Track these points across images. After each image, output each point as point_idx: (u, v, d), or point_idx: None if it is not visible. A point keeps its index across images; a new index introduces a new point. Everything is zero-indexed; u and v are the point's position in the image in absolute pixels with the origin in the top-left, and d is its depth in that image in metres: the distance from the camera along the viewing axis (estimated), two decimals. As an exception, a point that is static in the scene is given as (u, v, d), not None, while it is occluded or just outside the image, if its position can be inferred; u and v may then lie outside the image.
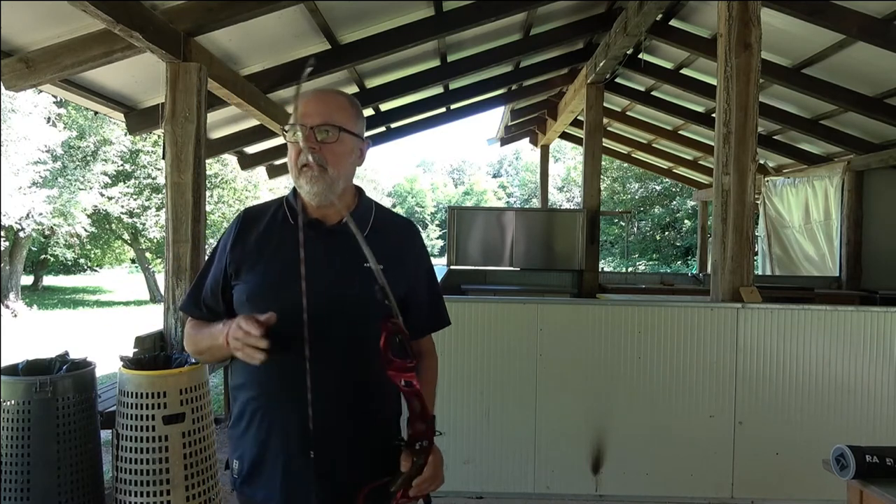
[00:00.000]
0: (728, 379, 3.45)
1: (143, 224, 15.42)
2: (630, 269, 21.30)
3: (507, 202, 43.67)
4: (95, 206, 14.38)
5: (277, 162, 8.34)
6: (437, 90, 7.60)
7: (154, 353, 3.36)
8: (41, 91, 7.15)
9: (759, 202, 9.31)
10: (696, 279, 7.85)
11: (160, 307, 4.05)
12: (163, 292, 3.96)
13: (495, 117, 11.87)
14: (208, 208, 12.05)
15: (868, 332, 3.45)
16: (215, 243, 1.57)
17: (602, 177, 7.87)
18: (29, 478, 2.79)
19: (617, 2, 5.92)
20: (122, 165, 15.09)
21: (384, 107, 7.64)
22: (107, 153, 14.49)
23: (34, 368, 3.00)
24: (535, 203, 18.30)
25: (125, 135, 14.09)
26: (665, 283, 7.87)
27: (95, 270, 23.02)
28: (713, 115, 4.56)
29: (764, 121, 6.82)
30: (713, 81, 5.17)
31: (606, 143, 10.47)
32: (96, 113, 5.24)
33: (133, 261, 20.29)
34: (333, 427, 1.40)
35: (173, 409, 2.88)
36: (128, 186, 15.26)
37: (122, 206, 14.93)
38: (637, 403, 3.47)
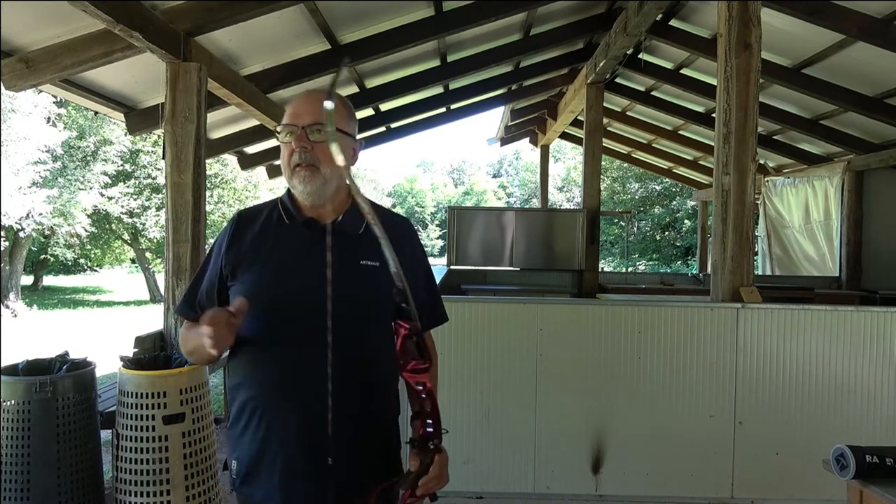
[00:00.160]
0: (728, 379, 3.45)
1: (143, 224, 15.43)
2: (630, 269, 21.30)
3: (507, 202, 43.67)
4: (95, 206, 14.39)
5: (277, 162, 8.31)
6: (437, 90, 7.60)
7: (154, 353, 3.36)
8: (41, 91, 7.15)
9: (759, 202, 9.31)
10: (696, 279, 7.85)
11: (160, 307, 4.05)
12: (163, 292, 3.96)
13: (495, 117, 11.88)
14: (208, 208, 12.06)
15: (868, 332, 3.45)
16: (210, 247, 1.57)
17: (602, 177, 7.88)
18: (29, 478, 2.79)
19: (617, 2, 5.92)
20: (122, 165, 15.09)
21: (384, 107, 7.64)
22: (107, 153, 14.49)
23: (34, 368, 3.00)
24: (535, 203, 18.30)
25: (125, 135, 14.09)
26: (665, 283, 7.87)
27: (95, 270, 23.03)
28: (713, 115, 4.56)
29: (764, 121, 6.82)
30: (713, 81, 5.17)
31: (606, 143, 10.47)
32: (96, 113, 5.24)
33: (133, 261, 20.29)
34: (331, 426, 1.40)
35: (173, 409, 2.88)
36: (128, 186, 15.26)
37: (122, 206, 14.93)
38: (637, 403, 3.47)
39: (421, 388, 1.30)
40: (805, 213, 8.40)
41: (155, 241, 15.66)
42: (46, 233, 14.87)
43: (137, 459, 2.82)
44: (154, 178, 15.34)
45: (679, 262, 22.59)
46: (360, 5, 4.51)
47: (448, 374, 3.36)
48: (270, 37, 4.56)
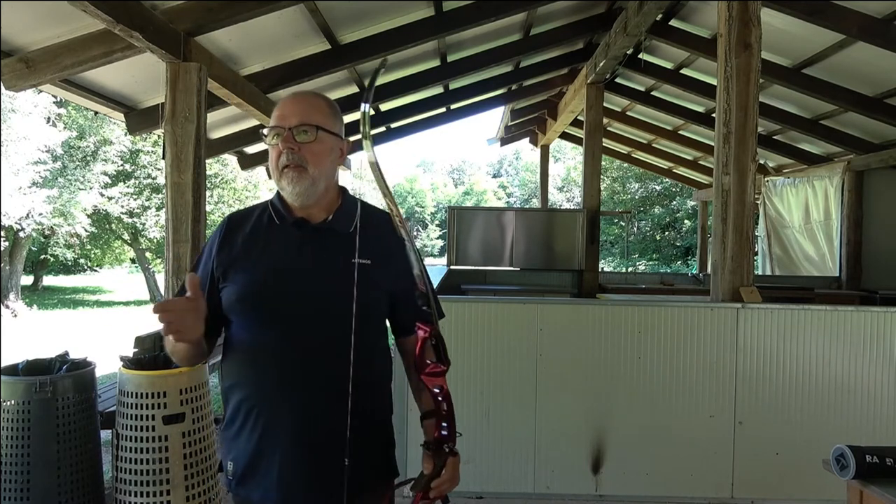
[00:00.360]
0: (728, 379, 3.45)
1: (143, 224, 15.42)
2: (630, 269, 21.30)
3: (507, 202, 43.67)
4: (95, 206, 14.39)
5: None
6: (437, 90, 7.60)
7: (154, 353, 3.35)
8: (41, 91, 7.15)
9: (759, 202, 9.31)
10: (696, 279, 7.85)
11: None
12: (163, 292, 3.96)
13: (495, 117, 11.87)
14: (208, 208, 12.05)
15: (868, 332, 3.45)
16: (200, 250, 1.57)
17: (602, 177, 7.88)
18: (29, 478, 2.79)
19: (617, 2, 5.92)
20: (122, 165, 15.09)
21: (384, 107, 7.64)
22: (107, 153, 14.49)
23: (34, 368, 3.00)
24: (535, 203, 18.30)
25: (125, 135, 14.09)
26: (665, 283, 7.87)
27: (95, 270, 23.03)
28: (713, 115, 4.56)
29: (764, 121, 6.82)
30: (713, 81, 5.17)
31: (606, 143, 10.47)
32: (96, 113, 5.24)
33: (133, 261, 20.29)
34: (327, 426, 1.41)
35: (173, 409, 2.87)
36: (128, 186, 15.26)
37: (122, 206, 14.93)
38: (637, 403, 3.47)
39: (438, 390, 1.31)
40: (805, 213, 8.40)
41: (155, 241, 15.66)
42: (46, 233, 14.87)
43: (137, 459, 2.82)
44: (154, 178, 15.34)
45: (679, 262, 22.59)
46: (360, 5, 4.51)
47: (448, 373, 3.35)
48: (270, 37, 4.56)
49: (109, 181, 14.72)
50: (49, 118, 12.68)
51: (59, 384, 2.86)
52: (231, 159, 13.20)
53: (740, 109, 3.70)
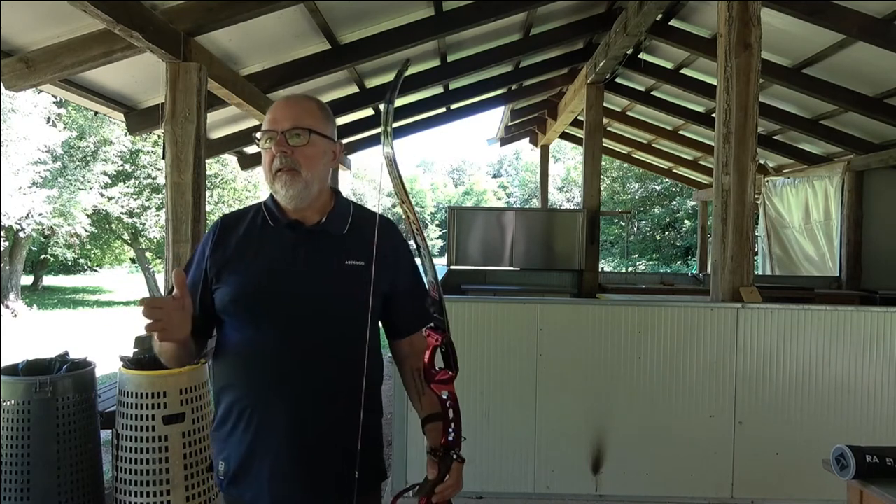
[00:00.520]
0: (728, 379, 3.45)
1: (143, 224, 15.42)
2: (630, 269, 21.29)
3: (507, 202, 43.67)
4: (95, 206, 14.39)
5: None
6: (437, 90, 7.60)
7: (154, 353, 3.35)
8: (41, 91, 7.15)
9: (759, 202, 9.30)
10: (696, 279, 7.85)
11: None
12: (163, 292, 3.96)
13: (495, 117, 11.87)
14: (208, 208, 12.05)
15: (868, 332, 3.44)
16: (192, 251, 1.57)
17: (602, 177, 7.87)
18: (29, 478, 2.79)
19: (617, 2, 5.92)
20: (122, 165, 15.09)
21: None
22: (107, 153, 14.49)
23: (34, 368, 3.00)
24: (535, 203, 18.30)
25: (125, 135, 14.09)
26: (665, 283, 7.86)
27: (95, 270, 23.02)
28: (713, 115, 4.56)
29: (764, 121, 6.82)
30: (713, 81, 5.17)
31: (606, 143, 10.47)
32: (96, 113, 5.24)
33: (133, 261, 20.29)
34: (320, 427, 1.41)
35: (173, 409, 2.88)
36: (128, 186, 15.26)
37: (122, 206, 14.93)
38: (637, 403, 3.46)
39: (446, 396, 1.31)
40: (805, 213, 8.40)
41: (155, 241, 15.66)
42: (46, 233, 14.87)
43: (137, 459, 2.83)
44: (154, 178, 15.34)
45: (679, 262, 22.59)
46: (360, 5, 4.51)
47: (448, 374, 3.35)
48: (270, 37, 4.56)
49: (109, 181, 14.72)
50: (49, 118, 12.69)
51: (59, 384, 2.86)
52: (231, 159, 13.20)
53: (740, 109, 3.70)
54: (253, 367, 1.42)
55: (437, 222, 41.47)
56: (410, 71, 6.46)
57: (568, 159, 33.02)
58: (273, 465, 1.40)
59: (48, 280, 21.03)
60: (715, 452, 3.45)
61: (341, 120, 7.35)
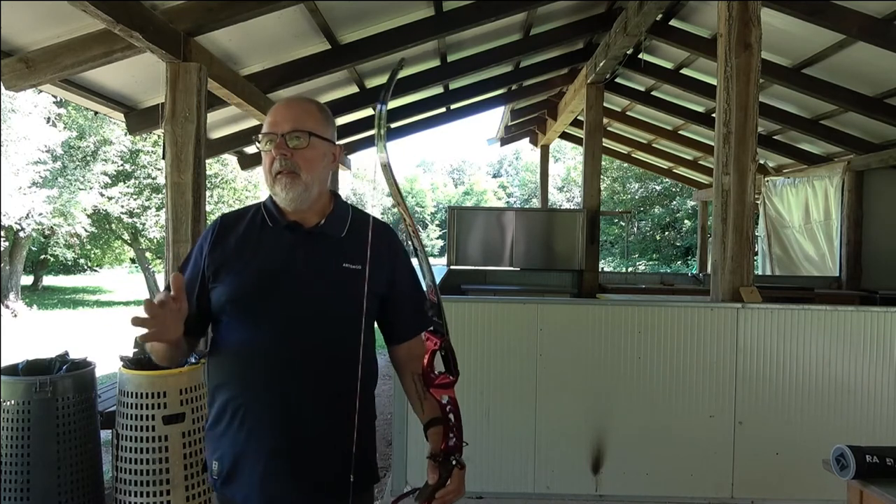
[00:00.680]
0: (728, 379, 3.45)
1: (143, 224, 15.42)
2: (630, 269, 21.30)
3: (507, 202, 43.69)
4: (95, 206, 14.39)
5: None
6: (437, 90, 7.60)
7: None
8: (41, 91, 7.15)
9: (759, 202, 9.30)
10: (696, 279, 7.85)
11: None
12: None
13: (495, 117, 11.87)
14: (208, 208, 12.04)
15: (868, 332, 3.44)
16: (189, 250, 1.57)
17: (602, 177, 7.87)
18: (29, 478, 2.79)
19: (617, 2, 5.92)
20: (122, 165, 15.09)
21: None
22: (107, 153, 14.49)
23: (34, 368, 3.00)
24: (535, 203, 18.29)
25: (125, 135, 14.09)
26: (665, 283, 7.86)
27: (95, 270, 23.02)
28: (713, 115, 4.56)
29: (764, 121, 6.82)
30: (713, 81, 5.17)
31: (606, 143, 10.47)
32: (96, 113, 5.24)
33: (133, 261, 20.29)
34: (312, 427, 1.41)
35: (173, 409, 2.88)
36: (128, 186, 15.26)
37: (122, 206, 14.93)
38: (637, 403, 3.46)
39: (446, 401, 1.31)
40: (805, 213, 8.40)
41: (155, 241, 15.66)
42: (46, 233, 14.87)
43: (137, 459, 2.82)
44: (154, 178, 15.34)
45: (679, 262, 22.59)
46: (360, 5, 4.51)
47: (448, 374, 3.35)
48: (270, 37, 4.55)
49: (109, 181, 14.72)
50: (49, 118, 12.69)
51: (59, 384, 2.86)
52: (231, 159, 13.20)
53: (740, 109, 3.70)
54: (247, 367, 1.42)
55: (437, 222, 41.47)
56: (410, 71, 6.46)
57: (568, 159, 33.02)
58: (265, 465, 1.40)
59: (48, 280, 21.03)
60: (715, 452, 3.45)
61: (341, 120, 7.35)
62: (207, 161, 4.90)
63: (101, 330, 10.98)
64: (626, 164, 18.03)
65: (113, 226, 16.19)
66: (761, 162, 8.90)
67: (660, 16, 5.51)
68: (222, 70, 4.28)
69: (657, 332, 3.46)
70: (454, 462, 1.35)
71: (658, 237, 23.75)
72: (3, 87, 3.59)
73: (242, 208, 1.58)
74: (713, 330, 3.46)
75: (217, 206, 15.90)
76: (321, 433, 1.42)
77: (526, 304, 3.53)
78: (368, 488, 1.53)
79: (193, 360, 3.08)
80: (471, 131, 77.15)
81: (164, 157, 3.72)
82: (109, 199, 14.73)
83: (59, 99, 11.38)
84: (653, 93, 8.17)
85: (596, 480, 3.48)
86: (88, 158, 14.27)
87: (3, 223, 12.07)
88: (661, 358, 3.46)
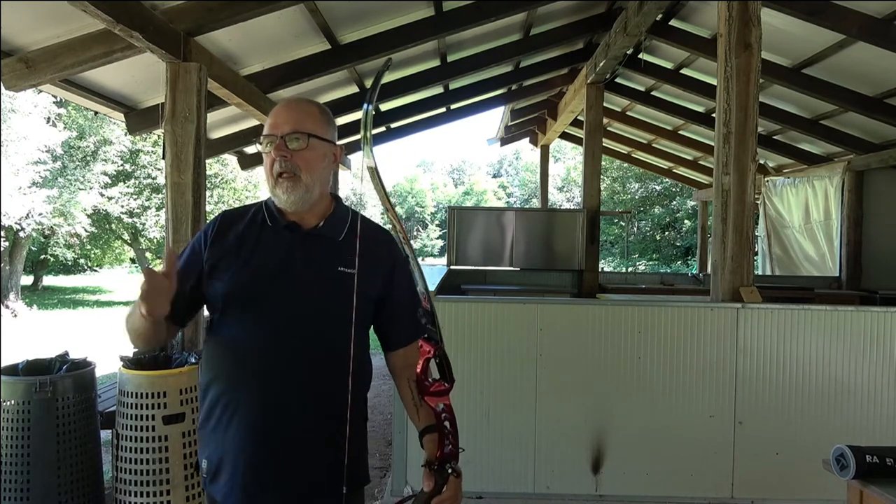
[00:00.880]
0: (728, 379, 3.45)
1: (143, 224, 15.43)
2: (630, 269, 21.30)
3: (507, 202, 43.68)
4: (95, 206, 14.39)
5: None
6: (437, 90, 7.60)
7: (154, 353, 3.36)
8: (41, 91, 7.15)
9: (759, 202, 9.30)
10: (696, 279, 7.85)
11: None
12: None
13: (495, 117, 11.87)
14: (208, 208, 12.04)
15: (868, 332, 3.44)
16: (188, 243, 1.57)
17: (602, 177, 7.87)
18: (29, 478, 2.79)
19: (617, 2, 5.92)
20: (122, 165, 15.10)
21: (384, 107, 7.64)
22: (107, 153, 14.50)
23: (34, 368, 3.00)
24: (535, 203, 18.29)
25: (125, 135, 14.09)
26: (665, 283, 7.86)
27: (95, 270, 23.02)
28: (713, 115, 4.56)
29: (764, 121, 6.82)
30: (713, 81, 5.17)
31: (606, 143, 10.46)
32: (96, 113, 5.24)
33: (133, 261, 20.30)
34: (298, 427, 1.41)
35: (173, 409, 2.88)
36: (128, 186, 15.27)
37: (122, 206, 14.94)
38: (637, 403, 3.47)
39: (441, 408, 1.30)
40: (805, 213, 8.40)
41: (155, 241, 15.67)
42: (46, 233, 14.87)
43: (137, 459, 2.83)
44: (154, 178, 15.35)
45: (679, 262, 22.59)
46: (360, 5, 4.51)
47: (448, 374, 3.35)
48: (270, 37, 4.55)
49: (109, 181, 14.73)
50: (49, 118, 12.69)
51: (59, 384, 2.86)
52: (231, 159, 13.20)
53: (740, 109, 3.70)
54: (238, 364, 1.43)
55: (437, 222, 41.47)
56: (410, 71, 6.46)
57: (568, 159, 33.02)
58: (248, 463, 1.40)
59: (48, 280, 21.02)
60: (715, 452, 3.46)
61: (341, 120, 7.35)
62: (207, 161, 4.90)
63: (101, 330, 10.98)
64: (626, 164, 18.04)
65: (113, 226, 16.20)
66: (761, 162, 8.90)
67: (660, 16, 5.51)
68: (222, 70, 4.28)
69: (657, 332, 3.47)
70: (450, 470, 1.34)
71: (658, 237, 23.76)
72: (3, 87, 3.59)
73: (244, 207, 1.59)
74: (713, 330, 3.46)
75: (217, 206, 15.91)
76: (308, 433, 1.42)
77: (526, 304, 3.53)
78: (356, 491, 1.52)
79: (193, 360, 3.08)
80: (471, 131, 77.18)
81: (164, 157, 3.72)
82: (109, 199, 14.74)
83: (59, 99, 11.38)
84: (653, 93, 8.17)
85: (596, 480, 3.48)
86: (88, 158, 14.28)
87: (3, 223, 12.07)
88: (661, 358, 3.46)
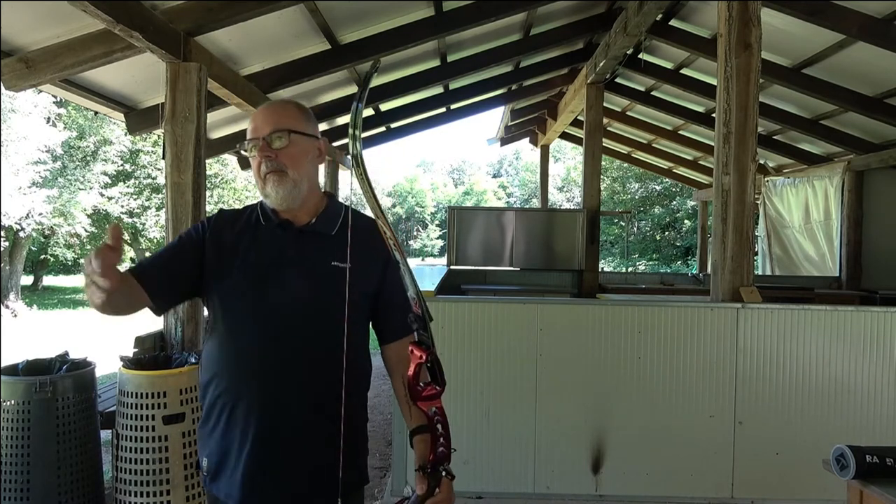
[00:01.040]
0: (728, 379, 3.45)
1: (143, 224, 15.43)
2: (630, 269, 21.29)
3: (507, 202, 43.69)
4: (95, 206, 14.40)
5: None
6: (437, 90, 7.60)
7: (154, 353, 3.36)
8: (41, 91, 7.14)
9: (759, 202, 9.30)
10: (696, 279, 7.85)
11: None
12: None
13: (495, 117, 11.88)
14: (208, 208, 12.05)
15: (868, 332, 3.44)
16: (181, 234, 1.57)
17: (602, 177, 7.87)
18: (29, 478, 2.79)
19: (617, 2, 5.92)
20: (122, 165, 15.11)
21: (384, 107, 7.64)
22: (107, 153, 14.51)
23: (34, 368, 3.00)
24: (535, 203, 18.29)
25: (125, 135, 14.10)
26: (665, 283, 7.86)
27: (95, 270, 22.97)
28: (713, 115, 4.56)
29: (764, 121, 6.82)
30: (713, 81, 5.17)
31: (606, 143, 10.47)
32: (96, 113, 5.24)
33: (133, 261, 20.27)
34: (298, 426, 1.42)
35: (173, 409, 2.88)
36: (128, 186, 15.28)
37: (122, 206, 14.94)
38: (637, 403, 3.47)
39: (433, 412, 1.30)
40: (805, 213, 8.40)
41: (155, 241, 15.67)
42: (46, 233, 14.87)
43: (137, 459, 2.82)
44: (154, 178, 15.36)
45: (679, 262, 22.59)
46: (360, 5, 4.51)
47: (448, 374, 3.33)
48: (270, 37, 4.55)
49: (109, 181, 14.73)
50: (49, 118, 12.69)
51: (59, 384, 2.86)
52: (231, 159, 13.21)
53: (740, 109, 3.70)
54: (236, 362, 1.43)
55: (437, 222, 41.47)
56: (410, 71, 6.46)
57: (568, 159, 33.03)
58: (249, 460, 1.40)
59: (48, 280, 21.02)
60: (715, 452, 3.46)
61: (341, 120, 7.35)
62: (207, 161, 4.90)
63: (101, 330, 10.98)
64: (626, 164, 18.04)
65: (113, 226, 16.18)
66: (761, 162, 8.90)
67: (660, 16, 5.51)
68: (222, 70, 4.28)
69: (657, 332, 3.47)
70: (443, 472, 1.34)
71: (658, 237, 23.76)
72: (3, 87, 3.59)
73: (240, 208, 1.60)
74: (713, 330, 3.46)
75: (217, 206, 15.91)
76: (307, 431, 1.42)
77: (526, 304, 3.53)
78: (358, 488, 1.52)
79: (193, 360, 3.08)
80: (471, 131, 77.16)
81: (164, 157, 3.71)
82: (109, 199, 14.75)
83: (59, 99, 11.38)
84: (653, 93, 8.17)
85: (596, 480, 3.48)
86: (88, 158, 14.28)
87: (3, 223, 12.07)
88: (661, 358, 3.46)
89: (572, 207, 22.67)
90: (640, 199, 23.09)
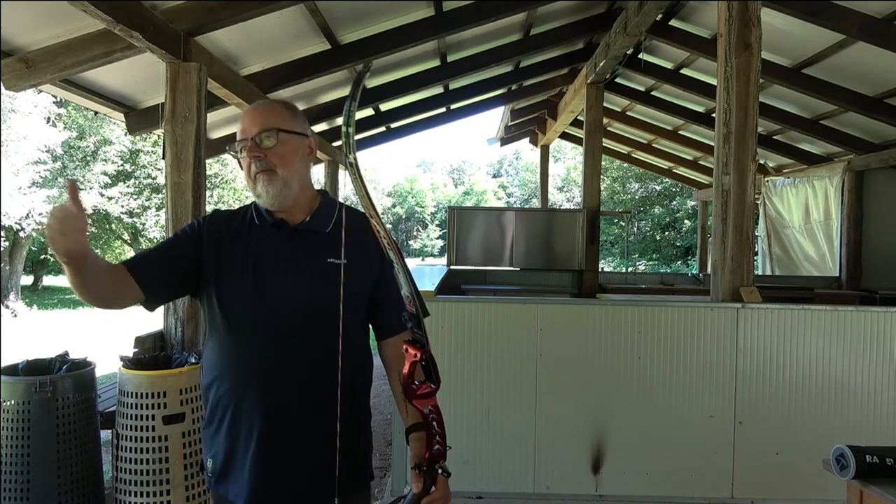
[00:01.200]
0: (728, 379, 3.45)
1: (143, 224, 15.43)
2: (630, 269, 21.29)
3: (507, 202, 43.69)
4: (95, 206, 14.39)
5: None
6: (437, 90, 7.60)
7: (154, 353, 3.36)
8: (41, 91, 7.14)
9: (759, 202, 9.30)
10: (696, 279, 7.85)
11: (160, 307, 4.04)
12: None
13: (495, 117, 11.88)
14: (208, 208, 12.05)
15: (868, 332, 3.44)
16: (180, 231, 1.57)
17: (602, 177, 7.87)
18: (29, 478, 2.79)
19: (617, 2, 5.92)
20: (122, 165, 15.11)
21: (384, 107, 7.64)
22: (107, 153, 14.51)
23: (34, 368, 3.00)
24: (535, 203, 18.29)
25: (125, 135, 14.10)
26: (665, 283, 7.86)
27: (95, 270, 22.99)
28: (713, 115, 4.56)
29: (764, 121, 6.82)
30: (713, 81, 5.17)
31: (606, 143, 10.47)
32: (96, 113, 5.24)
33: (133, 261, 20.27)
34: (301, 423, 1.42)
35: (173, 409, 2.88)
36: (128, 186, 15.28)
37: (122, 206, 14.95)
38: (637, 403, 3.46)
39: (429, 410, 1.30)
40: (805, 213, 8.40)
41: (155, 241, 15.67)
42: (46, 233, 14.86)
43: (137, 459, 2.82)
44: (154, 178, 15.36)
45: (679, 262, 22.58)
46: (360, 5, 4.51)
47: (448, 374, 3.36)
48: (270, 37, 4.55)
49: (109, 181, 14.73)
50: (49, 118, 12.69)
51: (59, 384, 2.86)
52: (231, 159, 13.17)
53: (740, 109, 3.70)
54: (236, 363, 1.44)
55: (437, 222, 41.47)
56: (410, 71, 6.46)
57: (568, 159, 33.03)
58: (254, 460, 1.41)
59: (48, 280, 21.02)
60: (715, 452, 3.46)
61: (340, 120, 7.34)
62: (207, 161, 4.89)
63: (101, 330, 10.98)
64: (626, 164, 18.04)
65: (113, 226, 16.20)
66: (761, 162, 8.90)
67: (660, 16, 5.52)
68: (222, 70, 4.28)
69: (657, 332, 3.46)
70: (439, 470, 1.34)
71: (658, 237, 23.76)
72: (3, 87, 3.59)
73: (235, 209, 1.60)
74: (713, 330, 3.46)
75: (217, 206, 15.92)
76: (310, 429, 1.42)
77: (526, 304, 3.53)
78: (363, 486, 1.53)
79: (193, 361, 3.08)
80: (471, 131, 77.22)
81: (164, 157, 3.71)
82: (109, 199, 14.75)
83: (59, 99, 11.38)
84: (653, 93, 8.17)
85: (596, 480, 3.48)
86: (88, 158, 14.29)
87: (3, 223, 12.07)
88: (661, 358, 3.46)
89: (572, 207, 22.67)
90: (640, 199, 23.09)
